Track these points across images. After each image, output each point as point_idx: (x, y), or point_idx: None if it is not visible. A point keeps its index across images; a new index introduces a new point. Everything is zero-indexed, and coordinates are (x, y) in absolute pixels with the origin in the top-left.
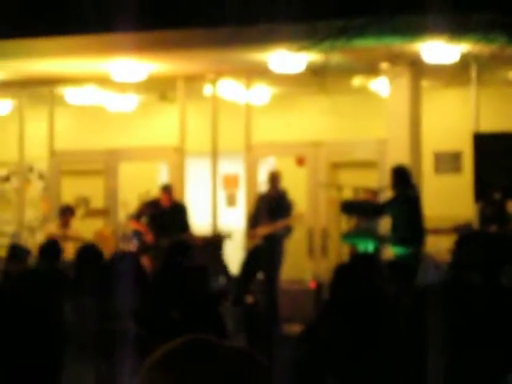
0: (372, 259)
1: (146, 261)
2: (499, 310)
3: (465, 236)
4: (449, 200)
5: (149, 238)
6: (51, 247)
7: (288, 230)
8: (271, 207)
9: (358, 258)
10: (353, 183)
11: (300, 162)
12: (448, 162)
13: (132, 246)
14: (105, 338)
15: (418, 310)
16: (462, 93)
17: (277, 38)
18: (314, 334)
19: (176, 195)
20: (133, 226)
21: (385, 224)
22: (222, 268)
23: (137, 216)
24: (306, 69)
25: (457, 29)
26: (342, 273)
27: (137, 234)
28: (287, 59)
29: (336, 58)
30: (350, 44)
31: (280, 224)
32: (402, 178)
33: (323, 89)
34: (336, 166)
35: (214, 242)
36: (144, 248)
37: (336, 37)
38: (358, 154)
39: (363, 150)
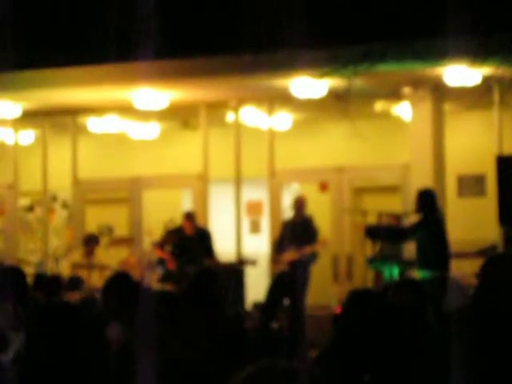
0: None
1: (169, 288)
2: None
3: (491, 259)
4: (473, 223)
5: (171, 265)
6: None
7: (314, 256)
8: (296, 233)
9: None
10: (377, 208)
11: (323, 187)
12: (472, 185)
13: (157, 274)
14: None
15: (446, 333)
16: (485, 115)
17: (298, 64)
18: (329, 356)
19: (200, 222)
20: (157, 253)
21: (410, 248)
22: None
23: (161, 244)
24: (328, 94)
25: (478, 52)
26: (356, 299)
27: (161, 261)
28: (309, 85)
29: (358, 82)
30: (372, 69)
31: (306, 250)
32: (428, 202)
33: (346, 114)
34: (359, 191)
35: (238, 269)
36: (168, 276)
37: (357, 62)
38: (381, 178)
39: (386, 174)
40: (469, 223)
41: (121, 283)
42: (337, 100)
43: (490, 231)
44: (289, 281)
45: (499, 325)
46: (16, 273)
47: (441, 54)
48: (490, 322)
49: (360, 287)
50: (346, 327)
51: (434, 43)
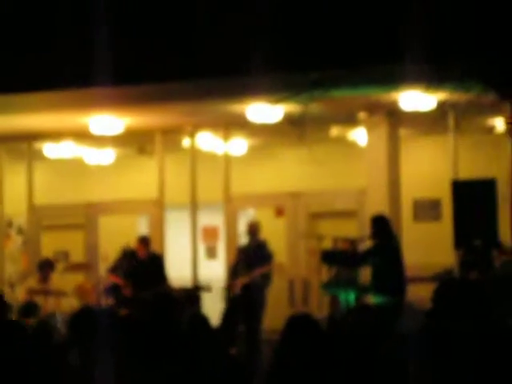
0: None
1: (124, 313)
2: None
3: (443, 284)
4: (429, 248)
5: (127, 291)
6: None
7: (267, 279)
8: (250, 258)
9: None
10: (333, 233)
11: (279, 213)
12: (427, 209)
13: (111, 299)
14: None
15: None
16: (440, 140)
17: (254, 90)
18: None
19: (156, 247)
20: (111, 279)
21: (366, 273)
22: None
23: (113, 269)
24: (284, 119)
25: (433, 78)
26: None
27: (114, 287)
28: (265, 110)
29: (313, 108)
30: (327, 95)
31: (256, 272)
32: (382, 228)
33: (301, 139)
34: (315, 216)
35: (193, 294)
36: (122, 301)
37: (312, 88)
38: (337, 203)
39: (342, 199)
40: (425, 247)
41: (85, 318)
42: (292, 125)
43: (445, 255)
44: (243, 305)
45: (449, 347)
46: None
47: (395, 80)
48: (440, 345)
49: (298, 312)
50: (282, 354)
51: (389, 69)
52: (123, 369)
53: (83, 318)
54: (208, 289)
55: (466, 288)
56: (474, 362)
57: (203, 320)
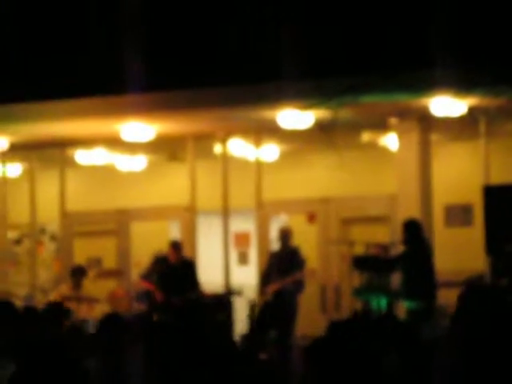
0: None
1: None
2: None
3: (466, 289)
4: (460, 253)
5: (159, 296)
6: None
7: (300, 286)
8: (282, 264)
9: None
10: (364, 238)
11: (311, 218)
12: (459, 214)
13: (143, 306)
14: None
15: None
16: (472, 146)
17: (285, 96)
18: None
19: (188, 253)
20: (142, 285)
21: (397, 279)
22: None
23: (145, 275)
24: (315, 125)
25: (463, 83)
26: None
27: (147, 293)
28: (295, 116)
29: (344, 114)
30: (358, 101)
31: (289, 279)
32: (413, 233)
33: (331, 145)
34: (347, 222)
35: (225, 300)
36: (155, 307)
37: (343, 94)
38: (368, 209)
39: (374, 205)
40: (456, 253)
41: (112, 324)
42: (322, 131)
43: (477, 261)
44: (274, 311)
45: (471, 353)
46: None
47: (426, 86)
48: (462, 351)
49: (337, 319)
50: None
51: (419, 75)
52: (155, 374)
53: (109, 324)
54: (239, 294)
55: (489, 294)
56: (496, 369)
57: (222, 327)
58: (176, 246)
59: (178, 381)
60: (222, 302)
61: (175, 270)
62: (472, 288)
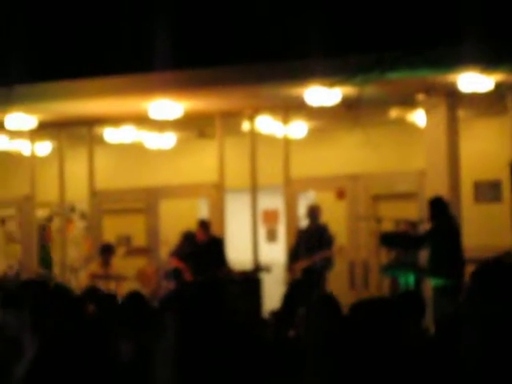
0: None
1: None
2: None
3: (481, 267)
4: (489, 229)
5: (188, 275)
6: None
7: (329, 263)
8: (311, 241)
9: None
10: (393, 215)
11: (340, 195)
12: (487, 190)
13: (172, 284)
14: None
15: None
16: (499, 121)
17: (311, 73)
18: None
19: (216, 231)
20: (171, 263)
21: (425, 255)
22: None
23: (174, 253)
24: (341, 102)
25: (491, 59)
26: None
27: (176, 271)
28: (322, 93)
29: (370, 90)
30: (384, 77)
31: (317, 257)
32: (439, 210)
33: (357, 122)
34: (376, 199)
35: (254, 277)
36: (183, 286)
37: (369, 70)
38: (397, 185)
39: (402, 181)
40: (485, 229)
41: (136, 303)
42: (347, 108)
43: (506, 237)
44: (303, 288)
45: (482, 330)
46: (37, 286)
47: (453, 62)
48: (473, 328)
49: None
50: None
51: (446, 51)
52: (182, 353)
53: (132, 303)
54: (267, 270)
55: (502, 271)
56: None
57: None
58: (204, 224)
59: (206, 359)
60: (251, 279)
61: (203, 248)
62: (485, 265)
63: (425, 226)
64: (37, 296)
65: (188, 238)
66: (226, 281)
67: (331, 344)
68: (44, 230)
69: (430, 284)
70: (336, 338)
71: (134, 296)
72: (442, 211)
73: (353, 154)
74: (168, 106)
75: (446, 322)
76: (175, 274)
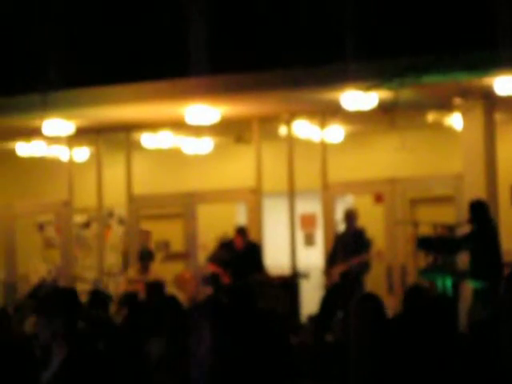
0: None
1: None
2: None
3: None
4: None
5: (226, 280)
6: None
7: (365, 267)
8: (348, 245)
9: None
10: (431, 219)
11: (378, 199)
12: None
13: (209, 289)
14: None
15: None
16: None
17: (347, 78)
18: None
19: (254, 236)
20: (209, 268)
21: (463, 259)
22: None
23: (212, 258)
24: (378, 106)
25: None
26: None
27: (213, 276)
28: (359, 98)
29: (406, 94)
30: (419, 81)
31: (354, 261)
32: (480, 213)
33: (394, 126)
34: (413, 202)
35: (292, 282)
36: (221, 290)
37: (404, 74)
38: (434, 189)
39: (440, 185)
40: None
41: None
42: (383, 112)
43: None
44: (341, 293)
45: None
46: (67, 292)
47: (488, 65)
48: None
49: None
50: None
51: (480, 54)
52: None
53: (166, 307)
54: (305, 276)
55: None
56: None
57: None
58: (242, 231)
59: (243, 363)
60: (288, 283)
61: (241, 254)
62: None
63: (463, 230)
64: (68, 304)
65: (225, 243)
66: (263, 286)
67: (377, 344)
68: None
69: (470, 287)
70: (382, 338)
71: (169, 299)
72: (482, 214)
73: (390, 158)
74: (205, 111)
75: (480, 325)
76: (213, 279)
